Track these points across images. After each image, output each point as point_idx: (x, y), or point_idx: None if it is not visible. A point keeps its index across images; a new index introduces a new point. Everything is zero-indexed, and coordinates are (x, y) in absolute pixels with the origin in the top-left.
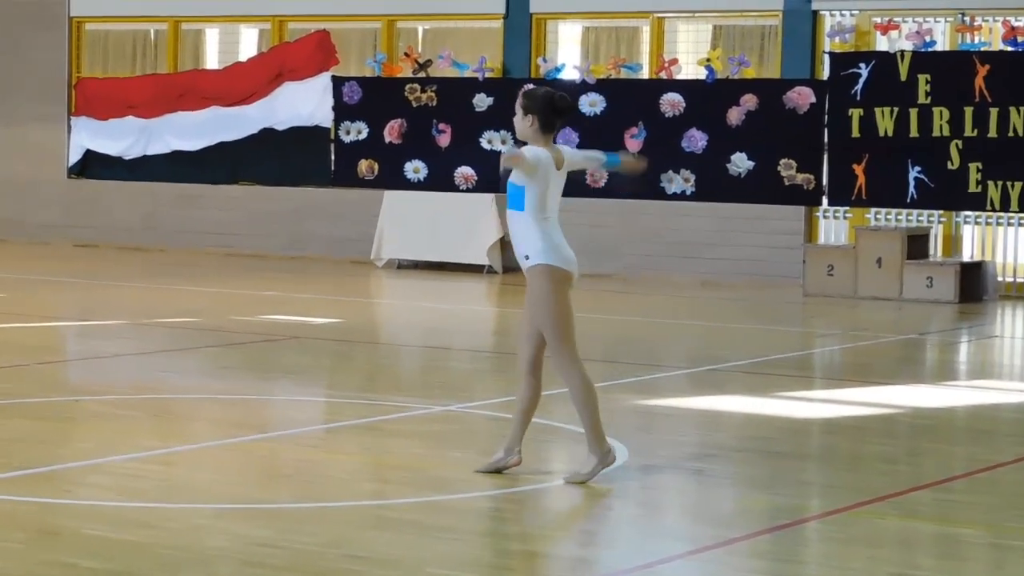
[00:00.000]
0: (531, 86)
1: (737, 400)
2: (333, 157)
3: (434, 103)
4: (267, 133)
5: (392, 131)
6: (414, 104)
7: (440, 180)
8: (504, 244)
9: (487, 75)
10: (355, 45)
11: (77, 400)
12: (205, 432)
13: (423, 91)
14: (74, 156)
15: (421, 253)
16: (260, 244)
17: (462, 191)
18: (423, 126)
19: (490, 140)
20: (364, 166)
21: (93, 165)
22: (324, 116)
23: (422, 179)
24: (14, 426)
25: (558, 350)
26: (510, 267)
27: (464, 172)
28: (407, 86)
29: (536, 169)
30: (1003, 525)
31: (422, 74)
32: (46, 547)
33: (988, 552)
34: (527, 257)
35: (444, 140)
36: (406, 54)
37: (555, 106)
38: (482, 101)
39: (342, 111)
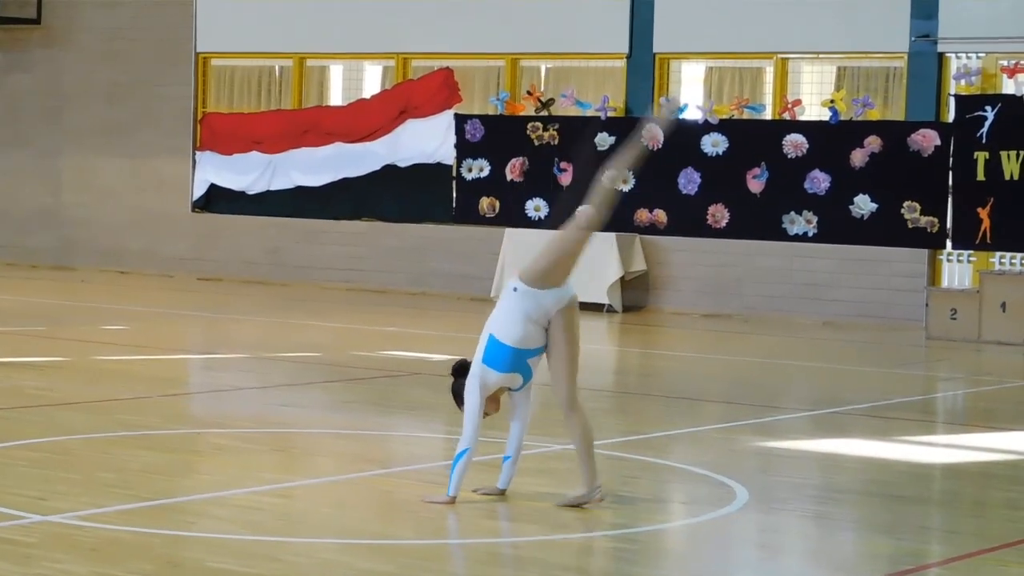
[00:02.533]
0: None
1: (858, 443)
2: (455, 194)
3: (556, 141)
4: (390, 169)
5: (514, 169)
6: (536, 143)
7: (561, 218)
8: (624, 283)
9: (610, 114)
10: (478, 83)
11: (199, 433)
12: (326, 466)
13: (545, 129)
14: (199, 190)
15: None
16: (382, 280)
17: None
18: (545, 164)
19: (612, 179)
20: (485, 203)
21: (217, 199)
22: (446, 153)
23: (543, 217)
24: (138, 457)
25: (574, 386)
26: (631, 306)
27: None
28: (529, 124)
29: None
30: None
31: (544, 112)
32: None
33: None
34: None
35: (566, 179)
36: (529, 92)
37: None
38: (604, 140)
39: (464, 148)
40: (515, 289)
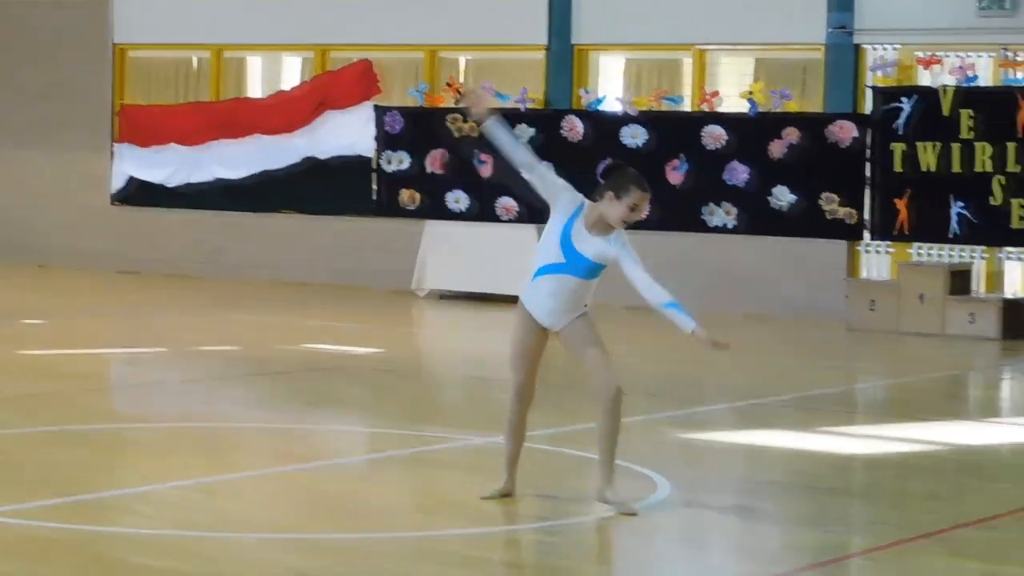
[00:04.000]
0: (612, 164)
1: (780, 435)
2: (375, 186)
3: (476, 134)
4: (310, 162)
5: (434, 161)
6: (456, 134)
7: (482, 210)
8: None
9: (529, 106)
10: (398, 75)
11: (120, 428)
12: (248, 461)
13: (465, 121)
14: (118, 183)
15: (462, 284)
16: (304, 273)
17: (504, 222)
18: (465, 157)
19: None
20: (406, 196)
21: (137, 192)
22: (366, 145)
23: (464, 209)
24: (57, 454)
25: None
26: None
27: (505, 203)
28: (449, 116)
29: None
30: None
31: (464, 104)
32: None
33: None
34: (585, 306)
35: (486, 171)
36: (448, 84)
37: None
38: (524, 132)
39: (384, 140)
40: None
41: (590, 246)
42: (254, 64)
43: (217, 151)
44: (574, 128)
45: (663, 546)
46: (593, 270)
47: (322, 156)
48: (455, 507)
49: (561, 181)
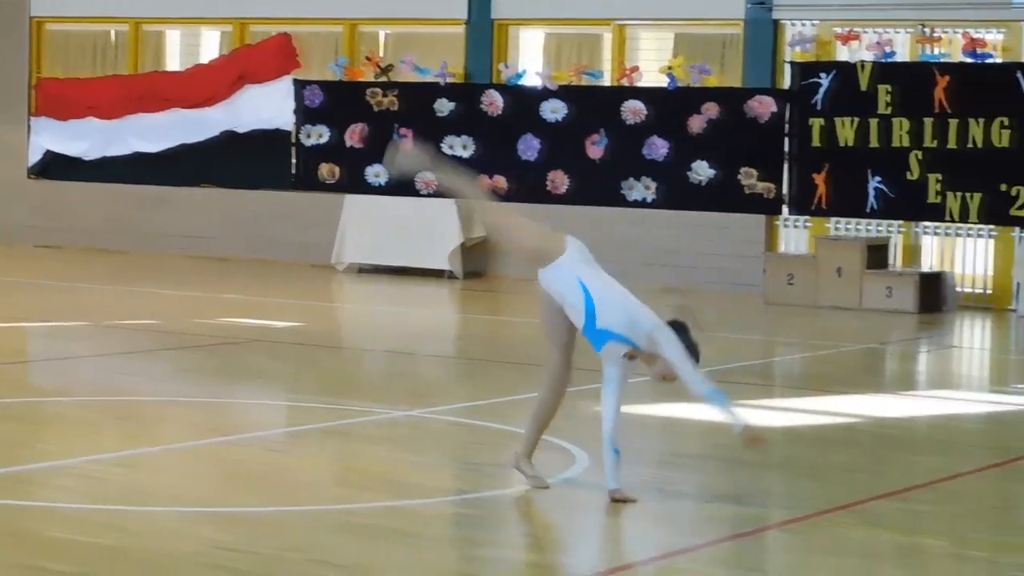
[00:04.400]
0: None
1: (699, 408)
2: (294, 160)
3: (396, 107)
4: (228, 136)
5: (353, 135)
6: (376, 108)
7: (401, 185)
8: (465, 249)
9: (449, 80)
10: (317, 49)
11: (38, 402)
12: (168, 435)
13: (385, 95)
14: (34, 157)
15: (382, 258)
16: (223, 247)
17: (423, 196)
18: (385, 130)
19: (451, 145)
20: (325, 170)
21: (54, 166)
22: (285, 119)
23: (383, 183)
24: None
25: None
26: (472, 272)
27: (426, 177)
28: (369, 90)
29: None
30: (964, 535)
31: (384, 78)
32: (10, 549)
33: (949, 562)
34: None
35: (406, 145)
36: (368, 58)
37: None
38: (444, 106)
39: (303, 114)
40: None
41: None
42: (172, 37)
43: (135, 124)
44: (494, 103)
45: (583, 519)
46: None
47: (241, 130)
48: (375, 480)
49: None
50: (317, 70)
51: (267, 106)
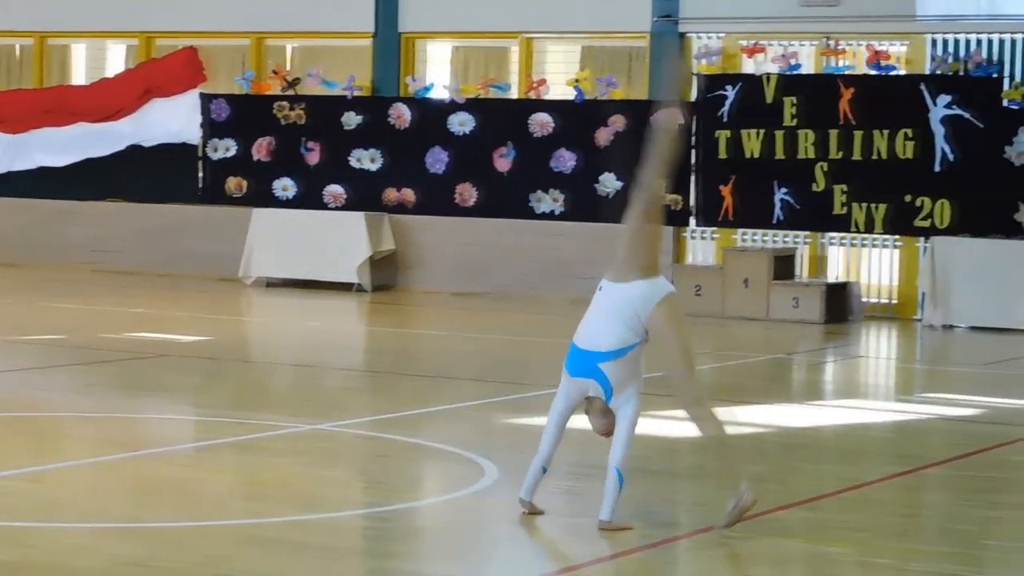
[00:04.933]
0: None
1: None
2: (201, 174)
3: (303, 121)
4: (135, 150)
5: (261, 149)
6: (283, 122)
7: (309, 198)
8: (373, 262)
9: (356, 93)
10: (224, 62)
11: None
12: (75, 450)
13: (292, 109)
14: None
15: (290, 271)
16: (131, 261)
17: (331, 209)
18: (292, 144)
19: (359, 158)
20: (233, 183)
21: None
22: (192, 133)
23: (291, 197)
24: None
25: (693, 385)
26: (380, 285)
27: (333, 190)
28: (276, 104)
29: None
30: (872, 543)
31: (291, 92)
32: None
33: (857, 570)
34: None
35: (313, 158)
36: (275, 72)
37: None
38: (351, 119)
39: (210, 128)
40: (600, 288)
41: None
42: (78, 51)
43: (41, 138)
44: (401, 116)
45: (491, 530)
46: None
47: (147, 143)
48: (283, 494)
49: None
50: (224, 84)
51: (174, 120)
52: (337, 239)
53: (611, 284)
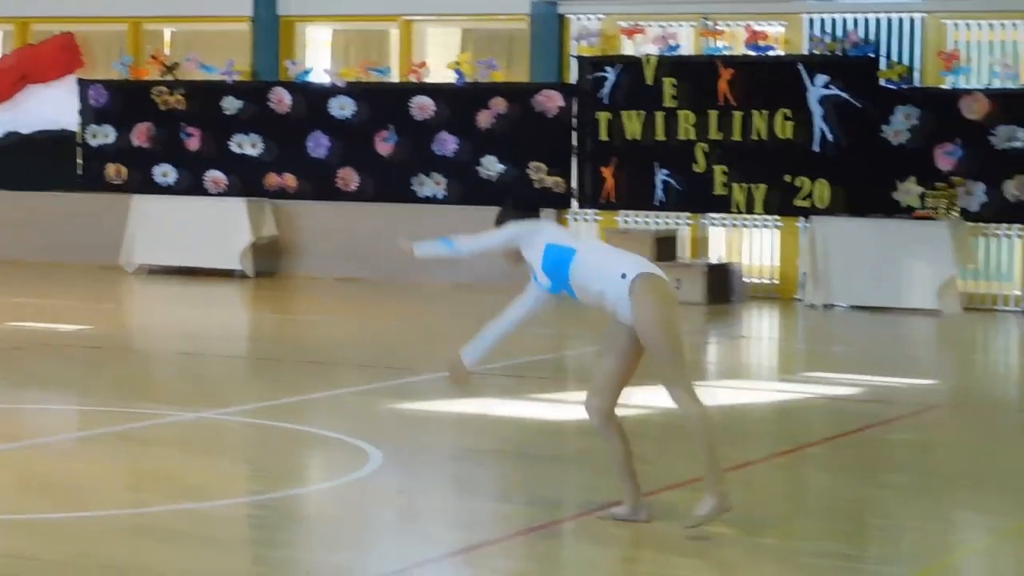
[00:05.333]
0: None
1: (493, 403)
2: (80, 161)
3: (182, 106)
4: (13, 138)
5: (140, 135)
6: (162, 107)
7: (190, 184)
8: (255, 248)
9: (236, 78)
10: (101, 48)
11: None
12: None
13: (171, 94)
14: None
15: (172, 258)
16: (10, 250)
17: (212, 195)
18: (172, 129)
19: (240, 143)
20: (112, 170)
21: None
22: (70, 119)
23: (171, 183)
24: None
25: (680, 370)
26: (263, 271)
27: (214, 176)
28: (155, 89)
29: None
30: (755, 523)
31: (170, 77)
32: None
33: (741, 550)
34: (623, 276)
35: (193, 144)
36: (153, 57)
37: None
38: (231, 104)
39: (89, 115)
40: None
41: None
42: None
43: None
44: (282, 100)
45: (377, 517)
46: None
47: (25, 131)
48: (167, 483)
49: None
50: (102, 69)
51: (51, 106)
52: (218, 225)
53: None
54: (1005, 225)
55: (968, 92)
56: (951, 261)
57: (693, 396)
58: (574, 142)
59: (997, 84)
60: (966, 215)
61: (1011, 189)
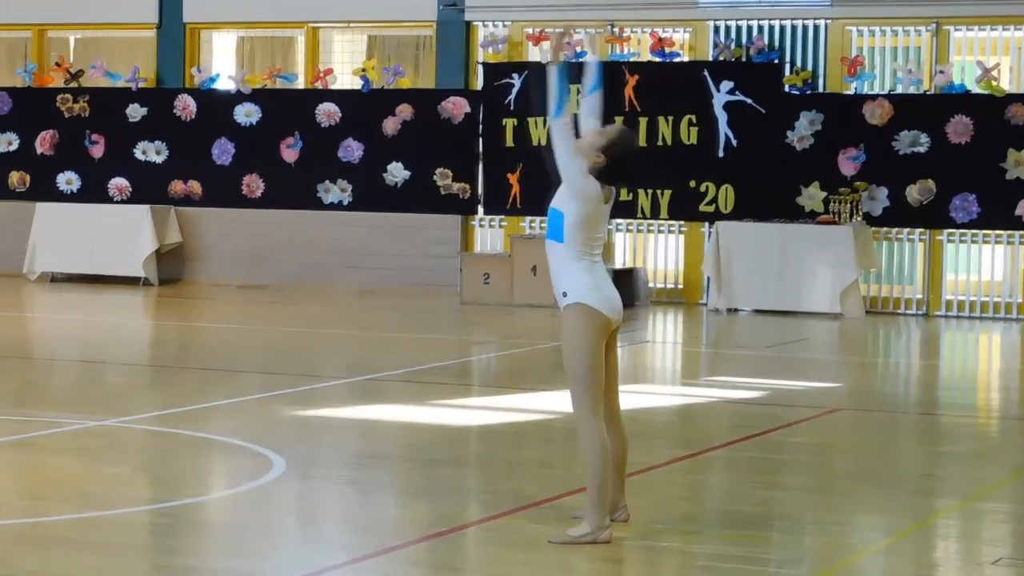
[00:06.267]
0: (616, 128)
1: (395, 409)
2: None
3: (87, 113)
4: None
5: (44, 142)
6: (66, 115)
7: (94, 191)
8: (159, 255)
9: (141, 85)
10: (4, 54)
11: None
12: None
13: (75, 101)
14: None
15: (75, 266)
16: None
17: (117, 202)
18: (76, 137)
19: (144, 150)
20: (15, 178)
21: None
22: None
23: (75, 190)
24: None
25: (580, 400)
26: (167, 278)
27: (118, 183)
28: (59, 96)
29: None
30: (656, 527)
31: (74, 84)
32: None
33: (642, 554)
34: (564, 294)
35: (98, 151)
36: (57, 64)
37: (626, 165)
38: (136, 111)
39: None
40: None
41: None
42: None
43: None
44: (187, 107)
45: (279, 524)
46: (555, 224)
47: None
48: (65, 491)
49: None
50: (5, 77)
51: None
52: (122, 232)
53: None
54: (907, 229)
55: (871, 97)
56: (854, 265)
57: (591, 430)
58: (480, 148)
59: (900, 89)
60: (869, 219)
61: (913, 194)
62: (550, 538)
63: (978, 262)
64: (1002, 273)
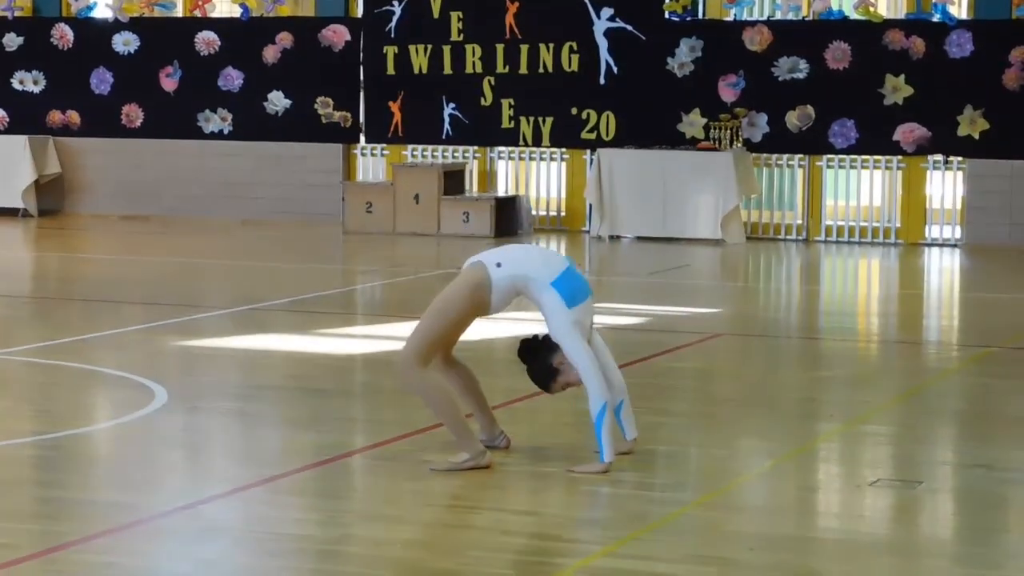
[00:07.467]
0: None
1: (278, 339)
2: None
3: None
4: None
5: None
6: None
7: None
8: (38, 187)
9: (17, 14)
10: None
11: None
12: None
13: None
14: None
15: None
16: None
17: None
18: None
19: (22, 80)
20: None
21: None
22: None
23: None
24: None
25: (419, 341)
26: (47, 210)
27: None
28: None
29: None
30: (540, 453)
31: None
32: None
33: (527, 479)
34: (499, 265)
35: None
36: None
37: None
38: (12, 41)
39: None
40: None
41: None
42: None
43: None
44: (64, 36)
45: (163, 454)
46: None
47: None
48: None
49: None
50: None
51: None
52: (0, 164)
53: None
54: (787, 155)
55: (751, 24)
56: (735, 191)
57: (415, 375)
58: (361, 76)
59: (779, 16)
60: (749, 146)
61: (793, 120)
62: (431, 465)
63: (857, 187)
64: (880, 198)
